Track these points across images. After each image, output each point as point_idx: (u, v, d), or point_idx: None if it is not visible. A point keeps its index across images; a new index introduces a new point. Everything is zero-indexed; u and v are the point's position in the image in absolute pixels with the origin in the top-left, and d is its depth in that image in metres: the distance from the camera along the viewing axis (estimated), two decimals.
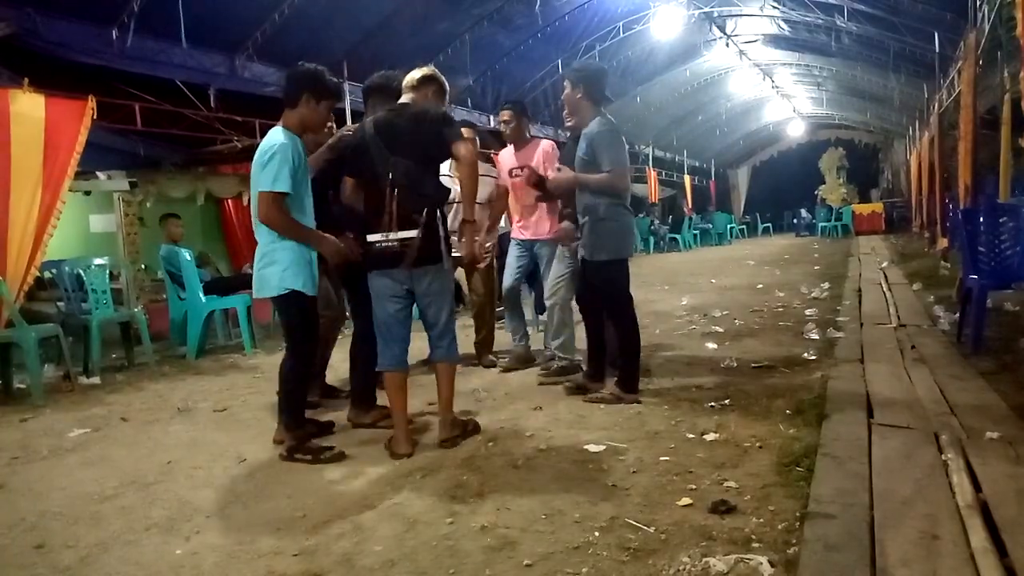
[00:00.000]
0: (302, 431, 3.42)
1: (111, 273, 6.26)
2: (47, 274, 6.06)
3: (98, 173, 8.47)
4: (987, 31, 7.55)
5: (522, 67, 13.59)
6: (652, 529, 2.37)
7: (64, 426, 4.20)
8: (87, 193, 8.71)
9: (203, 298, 6.32)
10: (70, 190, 5.73)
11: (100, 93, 6.01)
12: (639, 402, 3.93)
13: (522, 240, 4.97)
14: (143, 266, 8.78)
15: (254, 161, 3.30)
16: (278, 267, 3.29)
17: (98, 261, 6.04)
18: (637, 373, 4.08)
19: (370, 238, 3.32)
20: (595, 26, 13.77)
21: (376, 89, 3.71)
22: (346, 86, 10.37)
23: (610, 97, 3.98)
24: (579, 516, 2.51)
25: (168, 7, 7.56)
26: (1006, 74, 8.01)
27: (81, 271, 5.84)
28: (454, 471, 3.06)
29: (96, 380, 5.39)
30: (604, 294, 4.09)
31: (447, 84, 3.67)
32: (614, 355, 4.18)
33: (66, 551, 2.50)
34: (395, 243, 3.27)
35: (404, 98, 3.52)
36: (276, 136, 3.29)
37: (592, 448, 3.22)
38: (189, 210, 9.67)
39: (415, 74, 3.58)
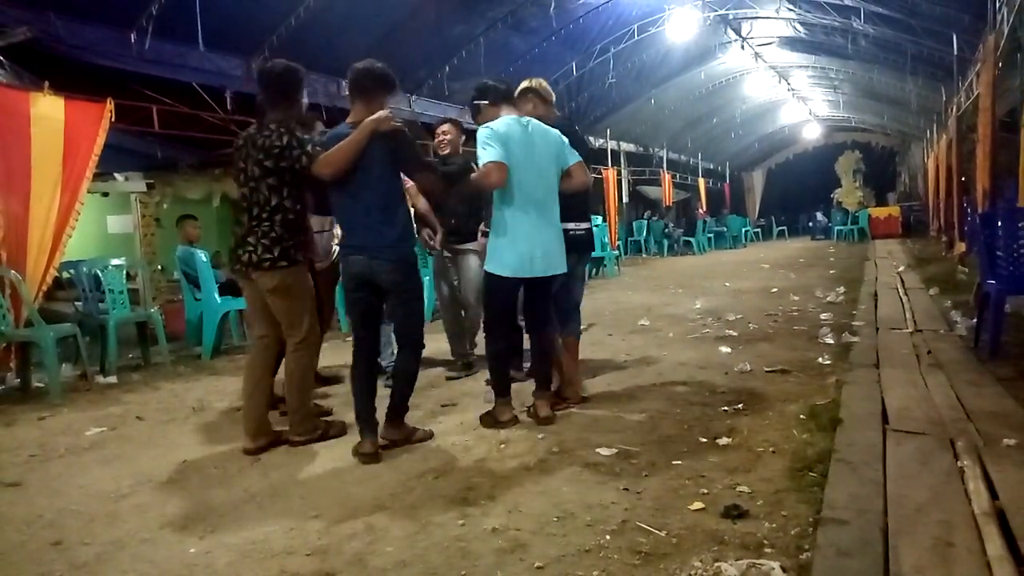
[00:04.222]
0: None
1: (128, 274, 6.32)
2: (65, 274, 6.13)
3: (116, 175, 8.58)
4: (1006, 33, 7.47)
5: (536, 70, 13.43)
6: (664, 533, 2.37)
7: (81, 425, 4.25)
8: (105, 194, 8.82)
9: (218, 299, 6.37)
10: (88, 191, 5.80)
11: (118, 96, 6.08)
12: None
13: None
14: (159, 267, 8.87)
15: (557, 141, 3.73)
16: None
17: (115, 261, 6.10)
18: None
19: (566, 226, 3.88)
20: (610, 28, 13.72)
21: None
22: None
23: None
24: (590, 519, 2.51)
25: (185, 11, 7.62)
26: None
27: (99, 271, 5.91)
28: (466, 473, 3.07)
29: (113, 379, 5.45)
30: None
31: None
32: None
33: (82, 548, 2.53)
34: (584, 231, 4.09)
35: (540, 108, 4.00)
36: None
37: (604, 451, 3.22)
38: (205, 211, 9.75)
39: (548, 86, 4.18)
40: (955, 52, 11.36)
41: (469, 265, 5.04)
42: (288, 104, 3.52)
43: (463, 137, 5.26)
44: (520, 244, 3.62)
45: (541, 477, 2.98)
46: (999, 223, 5.08)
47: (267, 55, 9.10)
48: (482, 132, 3.58)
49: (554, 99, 4.26)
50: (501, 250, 3.66)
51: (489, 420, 3.76)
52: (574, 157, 3.78)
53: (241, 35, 8.74)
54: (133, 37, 7.55)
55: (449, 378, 4.96)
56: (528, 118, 3.74)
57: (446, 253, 5.10)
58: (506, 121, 3.64)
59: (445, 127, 5.11)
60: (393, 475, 3.10)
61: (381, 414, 3.45)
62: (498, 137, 3.53)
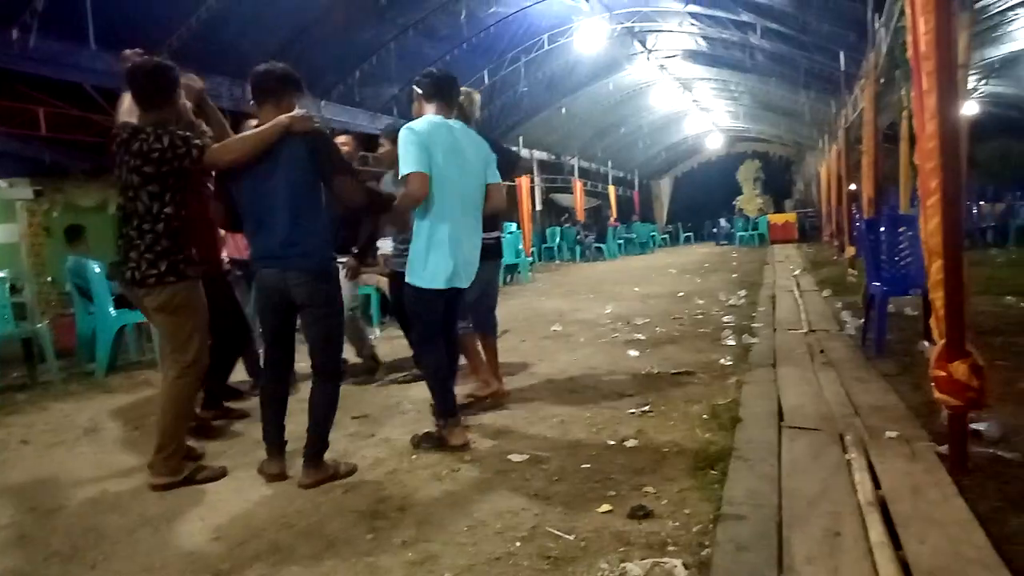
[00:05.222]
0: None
1: (13, 286, 5.91)
2: None
3: None
4: (885, 52, 8.01)
5: None
6: (572, 537, 2.40)
7: None
8: None
9: (113, 312, 6.03)
10: None
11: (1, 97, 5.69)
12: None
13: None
14: (50, 279, 8.34)
15: (487, 154, 3.69)
16: None
17: None
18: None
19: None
20: (520, 38, 13.89)
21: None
22: None
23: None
24: (501, 527, 2.53)
25: (75, 7, 7.21)
26: (903, 92, 8.51)
27: None
28: (376, 486, 3.02)
29: None
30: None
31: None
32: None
33: None
34: (494, 239, 4.26)
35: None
36: None
37: (515, 458, 3.24)
38: (101, 219, 9.26)
39: None
40: (842, 68, 12.11)
41: (342, 276, 4.99)
42: (162, 105, 3.21)
43: (360, 152, 5.15)
44: (449, 254, 3.44)
45: (453, 487, 2.97)
46: (882, 229, 5.44)
47: (166, 56, 8.74)
48: (403, 134, 3.37)
49: (475, 116, 4.19)
50: (431, 261, 3.44)
51: (432, 442, 3.47)
52: (495, 177, 3.70)
53: (137, 34, 8.28)
54: (16, 34, 7.07)
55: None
56: (455, 121, 3.58)
57: None
58: (430, 122, 3.44)
59: (342, 139, 4.94)
60: (300, 492, 3.02)
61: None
62: (419, 141, 3.33)
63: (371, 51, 11.60)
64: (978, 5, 8.95)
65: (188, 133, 3.18)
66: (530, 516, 2.60)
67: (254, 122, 3.59)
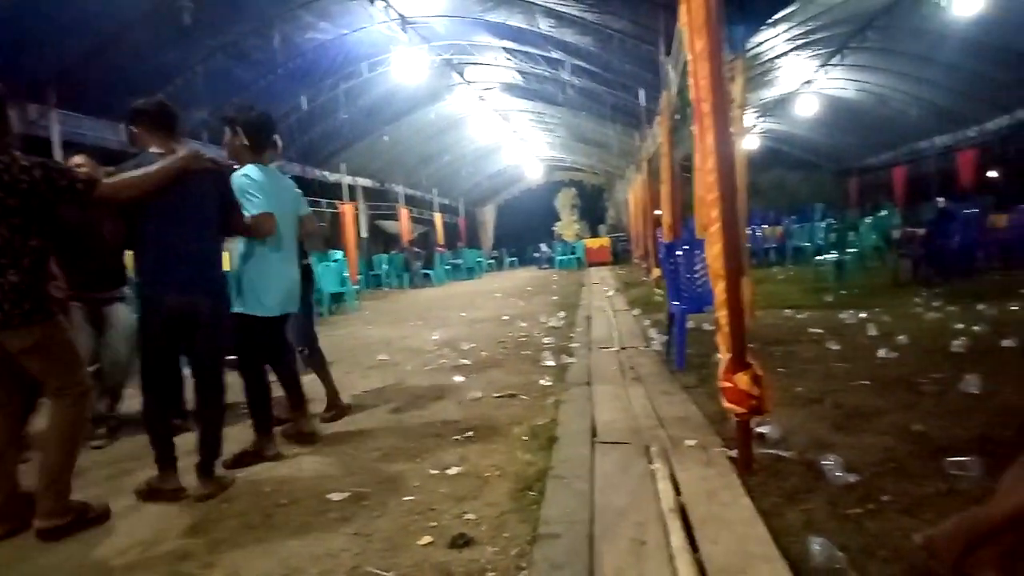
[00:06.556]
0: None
1: None
2: None
3: None
4: (676, 91, 8.81)
5: (264, 102, 12.93)
6: (392, 574, 2.36)
7: None
8: None
9: None
10: None
11: None
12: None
13: None
14: None
15: (295, 191, 4.12)
16: None
17: None
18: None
19: None
20: (339, 64, 13.69)
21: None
22: (53, 114, 9.24)
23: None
24: (318, 572, 2.43)
25: None
26: (692, 128, 9.40)
27: None
28: (180, 540, 2.80)
29: None
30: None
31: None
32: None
33: None
34: (305, 266, 4.47)
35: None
36: None
37: (335, 496, 3.14)
38: None
39: None
40: (643, 104, 13.15)
41: (119, 315, 4.51)
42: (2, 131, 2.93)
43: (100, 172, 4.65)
44: (277, 284, 3.87)
45: (266, 533, 2.81)
46: (679, 252, 5.93)
47: None
48: (242, 181, 3.71)
49: None
50: (261, 291, 3.81)
51: (250, 458, 3.78)
52: (306, 209, 4.22)
53: None
54: None
55: (95, 447, 4.29)
56: (272, 166, 3.97)
57: (80, 304, 4.38)
58: (258, 169, 3.81)
59: (78, 159, 4.37)
60: (87, 552, 2.73)
61: None
62: (257, 186, 3.74)
63: (176, 73, 10.91)
64: (751, 53, 10.15)
65: (64, 166, 3.17)
66: (349, 557, 2.52)
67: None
